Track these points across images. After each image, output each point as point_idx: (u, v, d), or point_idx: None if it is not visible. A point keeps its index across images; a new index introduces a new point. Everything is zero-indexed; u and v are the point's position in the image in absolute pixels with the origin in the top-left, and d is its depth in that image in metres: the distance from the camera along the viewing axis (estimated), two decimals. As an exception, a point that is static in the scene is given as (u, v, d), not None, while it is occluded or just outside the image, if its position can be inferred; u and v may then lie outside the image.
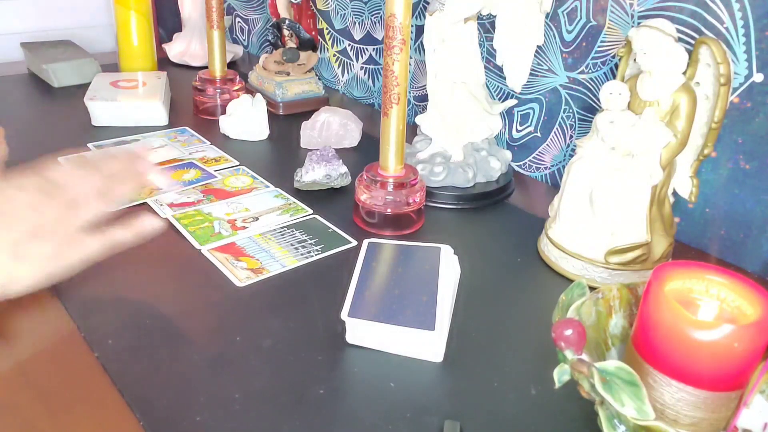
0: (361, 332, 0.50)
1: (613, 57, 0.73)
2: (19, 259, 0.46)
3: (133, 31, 1.10)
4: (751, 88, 0.61)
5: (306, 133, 0.88)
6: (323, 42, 1.17)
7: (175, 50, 1.26)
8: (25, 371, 0.46)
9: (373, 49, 1.07)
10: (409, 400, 0.45)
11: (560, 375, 0.39)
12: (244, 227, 0.66)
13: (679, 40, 0.59)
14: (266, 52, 1.06)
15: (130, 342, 0.49)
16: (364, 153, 0.88)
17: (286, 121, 0.97)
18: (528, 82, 0.77)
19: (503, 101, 0.80)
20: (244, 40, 1.40)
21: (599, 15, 0.73)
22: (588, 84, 0.76)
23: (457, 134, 0.76)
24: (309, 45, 1.03)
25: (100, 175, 0.51)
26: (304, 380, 0.46)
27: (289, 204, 0.72)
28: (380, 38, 1.05)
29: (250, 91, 1.02)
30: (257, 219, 0.68)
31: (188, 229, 0.65)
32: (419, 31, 0.94)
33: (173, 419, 0.42)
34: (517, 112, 0.86)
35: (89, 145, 0.85)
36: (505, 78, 0.75)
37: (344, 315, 0.49)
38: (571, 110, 0.79)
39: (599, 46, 0.74)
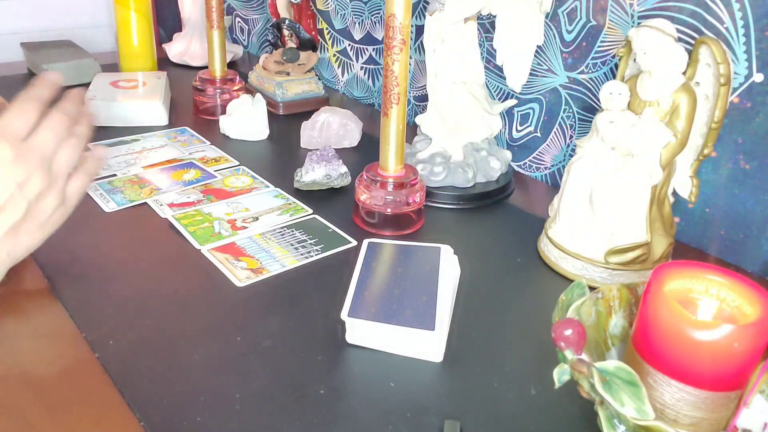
0: (361, 332, 0.50)
1: (613, 57, 0.73)
2: (18, 237, 0.50)
3: (133, 31, 1.10)
4: (751, 88, 0.61)
5: (306, 133, 0.88)
6: (323, 42, 1.17)
7: (175, 50, 1.26)
8: (25, 371, 0.46)
9: (373, 49, 1.07)
10: (409, 400, 0.45)
11: (560, 375, 0.39)
12: (244, 227, 0.66)
13: (679, 40, 0.59)
14: (266, 52, 1.07)
15: (130, 342, 0.49)
16: (364, 153, 0.88)
17: (286, 121, 0.97)
18: (528, 82, 0.77)
19: (503, 101, 0.80)
20: (244, 40, 1.40)
21: (599, 15, 0.73)
22: (588, 84, 0.76)
23: (457, 134, 0.76)
24: (309, 45, 1.03)
25: (59, 129, 0.52)
26: (303, 380, 0.46)
27: (289, 204, 0.72)
28: (380, 38, 1.05)
29: (250, 91, 1.02)
30: (257, 219, 0.68)
31: (188, 229, 0.65)
32: (419, 31, 0.94)
33: (173, 419, 0.42)
34: (517, 112, 0.86)
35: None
36: (505, 78, 0.75)
37: (344, 315, 0.49)
38: (571, 110, 0.79)
39: (599, 46, 0.74)
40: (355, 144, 0.90)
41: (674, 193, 0.61)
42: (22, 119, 0.49)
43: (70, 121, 0.53)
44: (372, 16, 1.05)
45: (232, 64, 1.23)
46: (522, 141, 0.86)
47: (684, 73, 0.55)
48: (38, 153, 0.49)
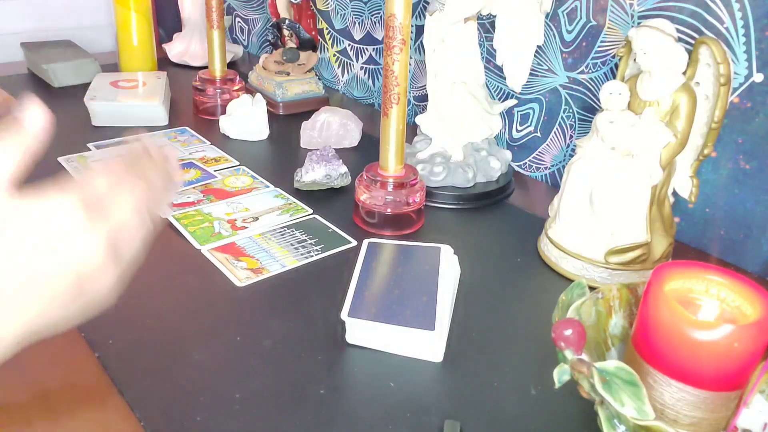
0: (361, 332, 0.50)
1: (613, 57, 0.73)
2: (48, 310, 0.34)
3: (133, 31, 1.10)
4: (751, 88, 0.61)
5: (306, 133, 0.88)
6: (323, 42, 1.17)
7: (175, 50, 1.26)
8: (24, 371, 0.46)
9: (373, 49, 1.07)
10: (409, 400, 0.45)
11: (560, 375, 0.39)
12: (244, 227, 0.66)
13: (679, 40, 0.59)
14: (266, 52, 1.06)
15: (130, 342, 0.49)
16: (364, 153, 0.88)
17: (286, 121, 0.97)
18: (528, 82, 0.77)
19: (503, 101, 0.80)
20: (244, 40, 1.40)
21: (599, 15, 0.73)
22: (588, 84, 0.76)
23: (457, 134, 0.76)
24: (309, 45, 1.03)
25: (143, 187, 0.39)
26: (304, 380, 0.46)
27: (289, 204, 0.72)
28: (380, 38, 1.05)
29: (250, 91, 1.02)
30: (257, 219, 0.68)
31: (188, 229, 0.65)
32: (419, 31, 0.94)
33: (173, 419, 0.42)
34: (517, 112, 0.86)
35: (89, 144, 0.85)
36: (505, 78, 0.75)
37: (344, 315, 0.49)
38: (571, 110, 0.79)
39: (599, 46, 0.74)
40: (355, 144, 0.89)
41: (674, 193, 0.60)
42: (105, 181, 0.38)
43: (155, 200, 0.39)
44: (372, 16, 1.05)
45: (232, 64, 1.23)
46: (522, 141, 0.86)
47: (684, 73, 0.55)
48: (112, 229, 0.35)
